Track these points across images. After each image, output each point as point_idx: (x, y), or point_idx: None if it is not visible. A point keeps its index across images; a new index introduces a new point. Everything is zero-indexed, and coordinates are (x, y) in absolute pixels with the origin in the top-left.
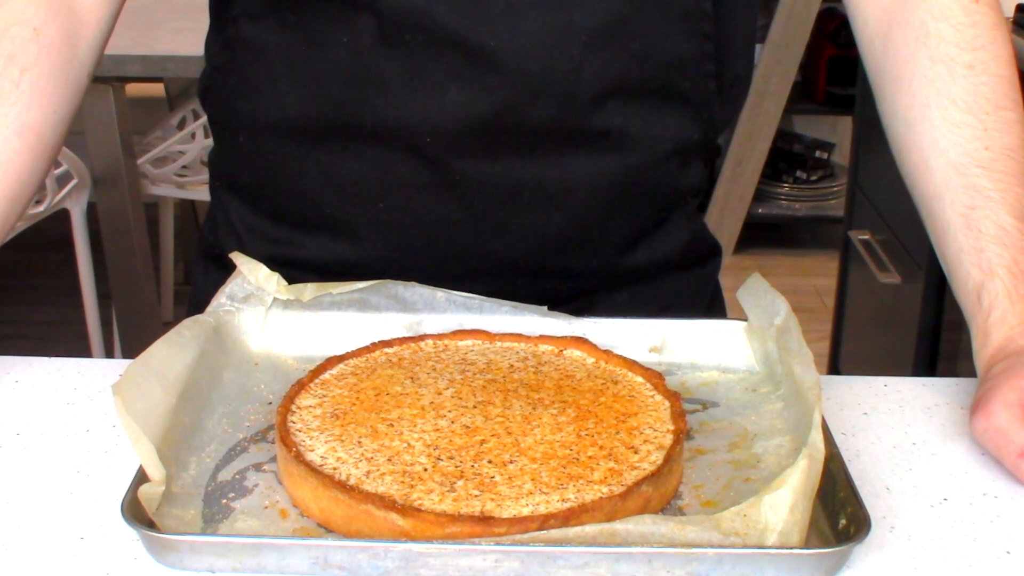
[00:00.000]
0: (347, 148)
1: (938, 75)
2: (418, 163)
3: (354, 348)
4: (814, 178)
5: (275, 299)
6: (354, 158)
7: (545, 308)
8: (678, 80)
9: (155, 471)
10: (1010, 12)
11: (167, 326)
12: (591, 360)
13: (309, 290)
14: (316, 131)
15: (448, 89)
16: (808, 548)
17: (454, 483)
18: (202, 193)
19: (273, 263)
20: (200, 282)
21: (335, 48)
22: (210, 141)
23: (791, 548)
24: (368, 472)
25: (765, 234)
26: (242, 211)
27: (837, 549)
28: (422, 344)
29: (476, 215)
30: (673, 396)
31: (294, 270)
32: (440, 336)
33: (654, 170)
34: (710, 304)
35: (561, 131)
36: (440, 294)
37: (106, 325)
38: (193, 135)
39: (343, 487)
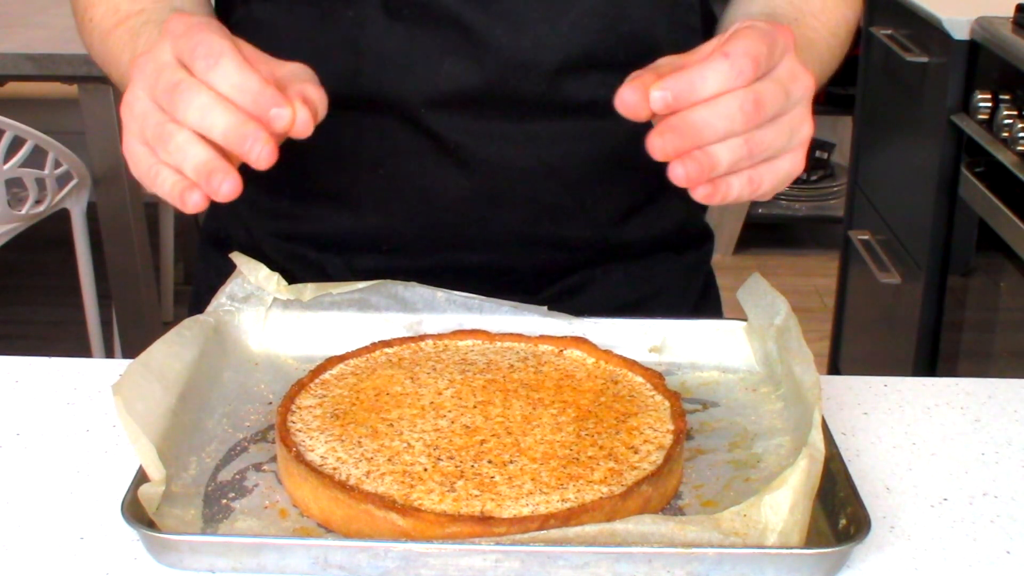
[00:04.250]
0: (347, 118)
1: None
2: (415, 132)
3: (354, 348)
4: (814, 178)
5: (275, 299)
6: (353, 127)
7: (545, 308)
8: None
9: (155, 471)
10: (1010, 12)
11: (167, 326)
12: (591, 360)
13: (309, 290)
14: None
15: (443, 62)
16: (808, 548)
17: (454, 483)
18: None
19: (275, 238)
20: (201, 270)
21: (340, 22)
22: None
23: (791, 548)
24: (368, 472)
25: (765, 234)
26: (245, 189)
27: (837, 549)
28: (422, 344)
29: (472, 183)
30: (673, 396)
31: (295, 244)
32: (440, 336)
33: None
34: (704, 292)
35: (551, 103)
36: (440, 294)
37: (106, 325)
38: None
39: (343, 487)
